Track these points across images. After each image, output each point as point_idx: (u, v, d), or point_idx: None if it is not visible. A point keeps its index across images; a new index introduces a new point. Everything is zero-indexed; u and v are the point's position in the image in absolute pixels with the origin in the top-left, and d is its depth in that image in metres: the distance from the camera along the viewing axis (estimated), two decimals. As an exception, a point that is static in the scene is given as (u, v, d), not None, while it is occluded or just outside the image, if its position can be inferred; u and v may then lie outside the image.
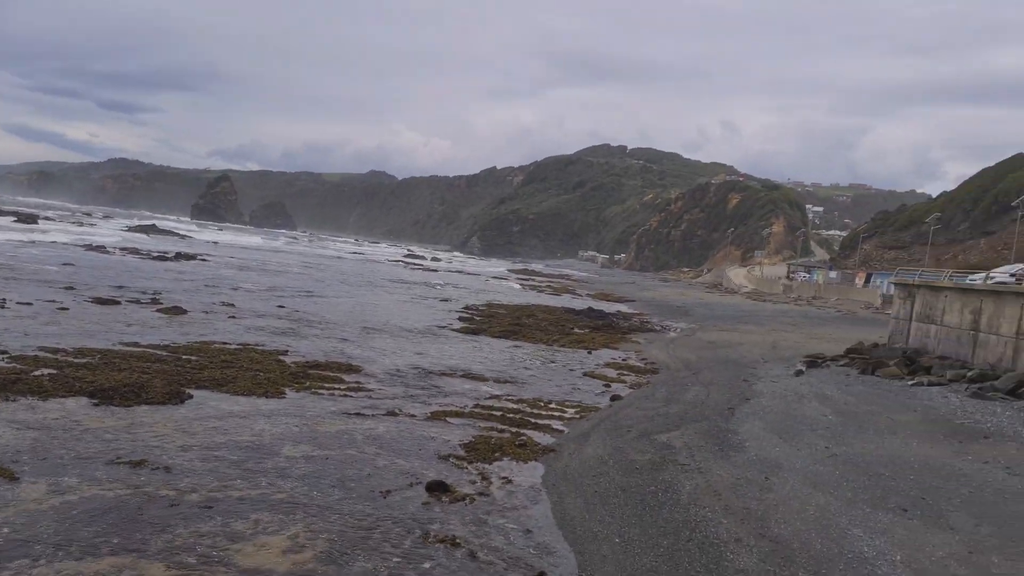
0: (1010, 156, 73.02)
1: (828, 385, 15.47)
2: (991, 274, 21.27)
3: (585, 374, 19.45)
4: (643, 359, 23.19)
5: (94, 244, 48.96)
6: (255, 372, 14.63)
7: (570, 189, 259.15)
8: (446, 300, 39.81)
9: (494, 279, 76.08)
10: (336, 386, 14.60)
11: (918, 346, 20.86)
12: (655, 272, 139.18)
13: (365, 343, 20.77)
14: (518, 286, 66.34)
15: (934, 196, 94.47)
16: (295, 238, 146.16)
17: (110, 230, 78.39)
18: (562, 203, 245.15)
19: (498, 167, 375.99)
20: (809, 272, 76.23)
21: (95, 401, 11.16)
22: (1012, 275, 20.22)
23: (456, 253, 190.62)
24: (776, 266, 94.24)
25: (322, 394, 13.76)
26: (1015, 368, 16.02)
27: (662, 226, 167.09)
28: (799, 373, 17.36)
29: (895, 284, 25.00)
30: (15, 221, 67.01)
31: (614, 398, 16.19)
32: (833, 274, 69.96)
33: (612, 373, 19.98)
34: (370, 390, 14.64)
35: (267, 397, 12.97)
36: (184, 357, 15.20)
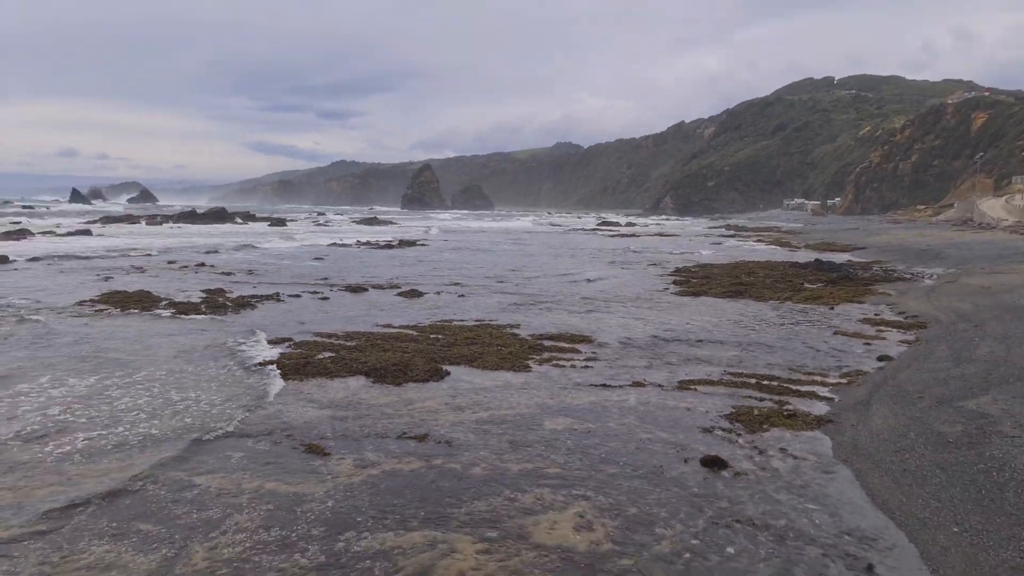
0: None
1: None
2: None
3: (836, 333, 17.54)
4: (901, 313, 20.45)
5: (338, 241, 54.78)
6: (497, 347, 15.06)
7: (769, 134, 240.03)
8: (655, 264, 38.71)
9: (697, 238, 72.95)
10: (575, 357, 14.55)
11: None
12: (880, 214, 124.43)
13: (588, 313, 20.65)
14: (725, 243, 62.80)
15: None
16: (496, 217, 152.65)
17: (342, 225, 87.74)
18: (760, 150, 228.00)
19: (686, 121, 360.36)
20: (1095, 195, 62.66)
21: (371, 380, 12.14)
22: None
23: (650, 216, 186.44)
24: (1043, 192, 79.05)
25: (564, 366, 13.76)
26: None
27: (886, 161, 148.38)
28: None
29: None
30: (269, 225, 77.94)
31: (882, 359, 14.33)
32: None
33: (869, 330, 17.81)
34: (608, 360, 14.38)
35: (515, 371, 13.23)
36: (432, 336, 16.11)
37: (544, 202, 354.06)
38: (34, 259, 32.97)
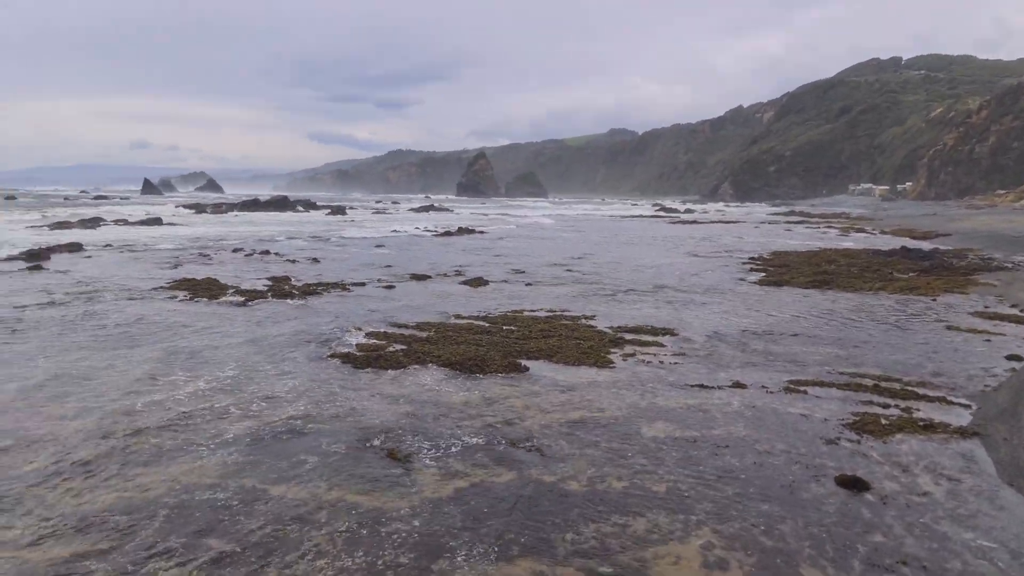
0: None
1: None
2: None
3: (949, 328, 15.87)
4: (1014, 305, 18.54)
5: (399, 229, 54.63)
6: (576, 340, 14.04)
7: (832, 118, 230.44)
8: (726, 252, 36.96)
9: (762, 224, 70.10)
10: (660, 352, 13.43)
11: None
12: (956, 199, 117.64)
13: (666, 304, 19.41)
14: (795, 229, 59.98)
15: None
16: (551, 204, 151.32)
17: (400, 213, 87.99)
18: (824, 134, 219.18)
19: (745, 106, 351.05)
20: None
21: (447, 375, 11.31)
22: None
23: (708, 202, 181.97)
24: None
25: (650, 362, 12.65)
26: None
27: (961, 143, 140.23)
28: None
29: None
30: (330, 213, 78.73)
31: (1012, 358, 12.72)
32: None
33: (984, 325, 16.08)
34: (698, 356, 13.19)
35: (598, 367, 12.20)
36: (505, 328, 15.20)
37: (599, 189, 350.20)
38: (107, 246, 33.59)
